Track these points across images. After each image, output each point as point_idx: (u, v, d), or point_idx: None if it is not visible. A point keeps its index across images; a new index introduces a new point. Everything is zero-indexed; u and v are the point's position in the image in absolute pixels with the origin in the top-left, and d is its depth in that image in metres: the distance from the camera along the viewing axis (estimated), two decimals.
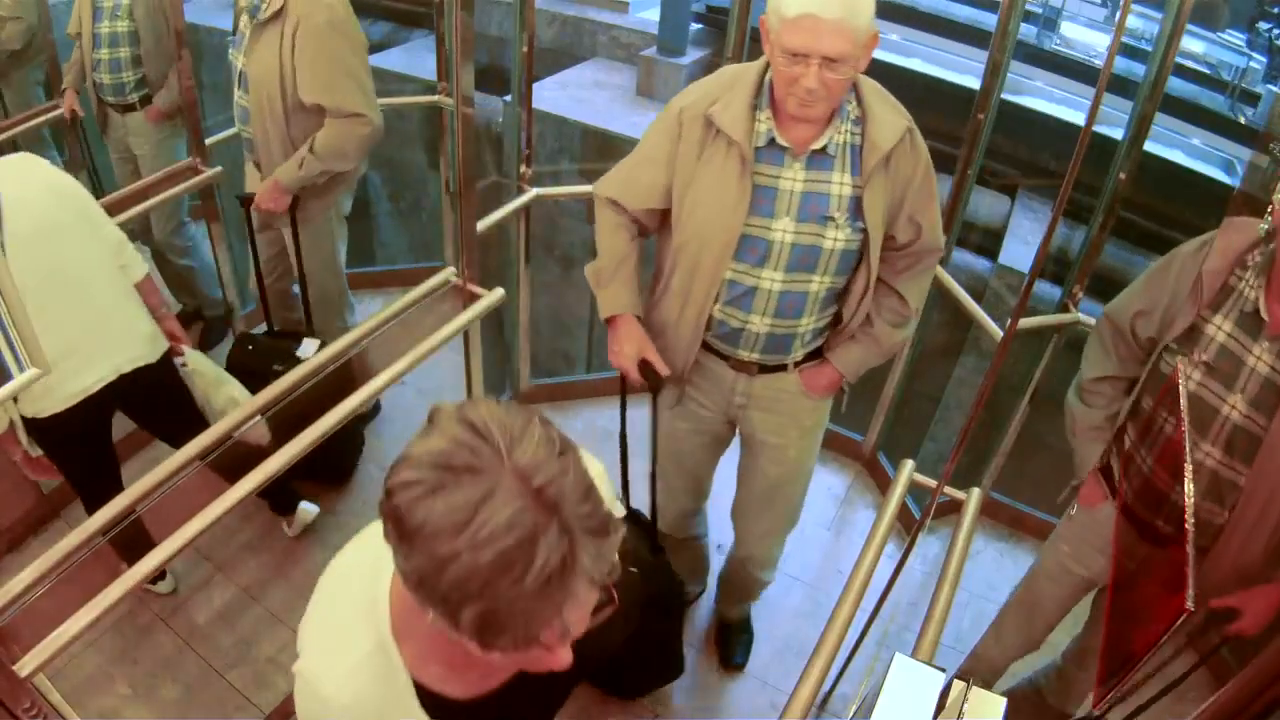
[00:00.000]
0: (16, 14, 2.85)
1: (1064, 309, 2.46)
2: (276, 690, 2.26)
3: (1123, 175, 2.27)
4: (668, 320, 1.80)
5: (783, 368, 1.83)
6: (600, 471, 1.04)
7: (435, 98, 3.31)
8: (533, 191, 2.68)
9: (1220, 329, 1.52)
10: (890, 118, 1.61)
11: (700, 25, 5.63)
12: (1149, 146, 2.32)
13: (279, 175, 2.48)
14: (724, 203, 1.61)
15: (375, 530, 0.83)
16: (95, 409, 2.03)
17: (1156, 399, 1.61)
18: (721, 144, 1.60)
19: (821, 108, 1.53)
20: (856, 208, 1.62)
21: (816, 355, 1.85)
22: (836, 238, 1.63)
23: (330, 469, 2.84)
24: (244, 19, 2.39)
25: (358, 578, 0.95)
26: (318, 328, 2.77)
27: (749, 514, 2.15)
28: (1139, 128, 2.22)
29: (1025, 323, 2.25)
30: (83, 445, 2.11)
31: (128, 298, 2.07)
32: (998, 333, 2.25)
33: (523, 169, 2.67)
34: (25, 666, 1.38)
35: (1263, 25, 5.30)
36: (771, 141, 1.59)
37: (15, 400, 1.92)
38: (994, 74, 2.33)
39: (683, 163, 1.65)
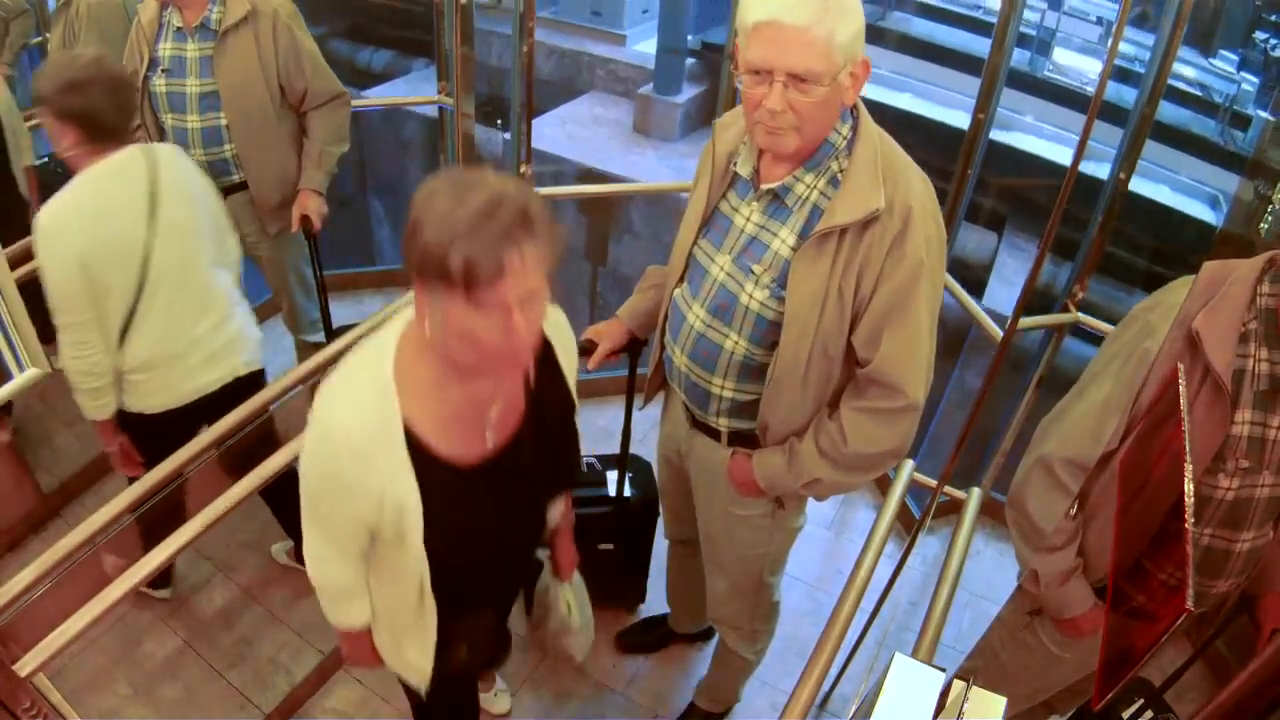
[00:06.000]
0: (22, 6, 2.83)
1: (1064, 309, 2.47)
2: (276, 690, 2.25)
3: (1123, 175, 2.28)
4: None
5: (716, 435, 1.63)
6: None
7: (436, 98, 3.33)
8: None
9: (1243, 423, 1.33)
10: (863, 191, 1.30)
11: (695, 60, 5.61)
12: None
13: (310, 184, 2.46)
14: (689, 219, 1.53)
15: (393, 320, 1.19)
16: (203, 410, 2.00)
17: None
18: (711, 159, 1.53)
19: (790, 139, 1.29)
20: (786, 275, 1.38)
21: (755, 443, 1.60)
22: (753, 295, 1.42)
23: None
24: (169, 44, 2.24)
25: (372, 341, 1.19)
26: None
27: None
28: (1132, 144, 2.22)
29: (1025, 322, 2.25)
30: (176, 445, 1.98)
31: (243, 304, 2.11)
32: (998, 333, 2.25)
33: (522, 169, 2.67)
34: (25, 666, 1.39)
35: (1259, 35, 5.22)
36: (753, 172, 1.43)
37: (120, 390, 1.93)
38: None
39: (698, 174, 1.60)
